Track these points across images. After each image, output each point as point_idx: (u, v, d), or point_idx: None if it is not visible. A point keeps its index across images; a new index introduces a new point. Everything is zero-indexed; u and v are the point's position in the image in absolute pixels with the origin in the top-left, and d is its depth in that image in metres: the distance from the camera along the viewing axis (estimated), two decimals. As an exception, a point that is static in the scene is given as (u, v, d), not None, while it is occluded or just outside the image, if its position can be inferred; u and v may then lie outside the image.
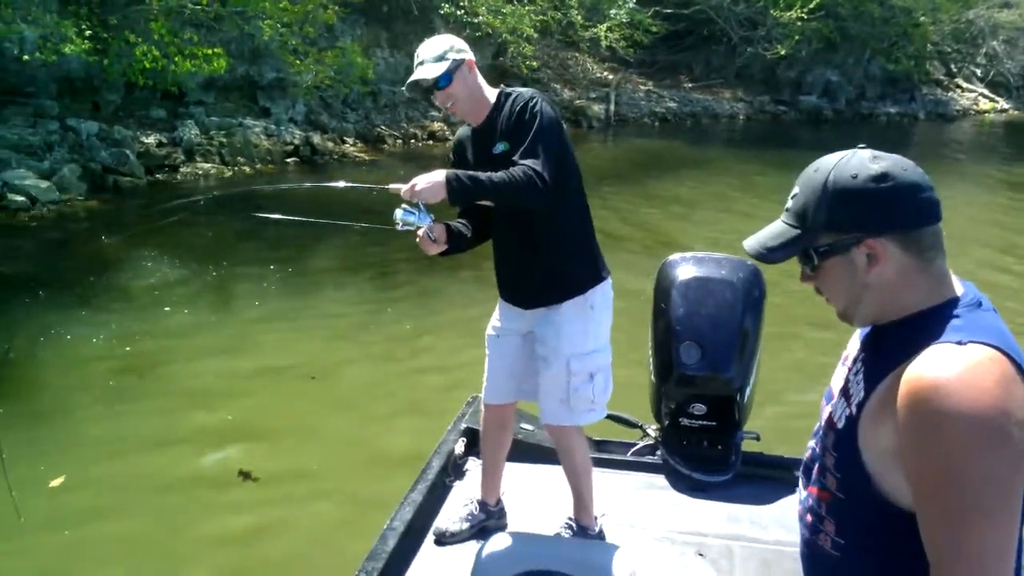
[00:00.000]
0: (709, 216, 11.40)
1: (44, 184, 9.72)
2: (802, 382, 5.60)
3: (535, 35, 18.57)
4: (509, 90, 2.66)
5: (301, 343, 6.31)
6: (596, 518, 2.93)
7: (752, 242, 1.33)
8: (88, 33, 10.69)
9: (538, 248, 2.67)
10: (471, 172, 2.45)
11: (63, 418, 5.06)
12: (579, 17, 19.94)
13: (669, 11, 21.87)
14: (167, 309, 6.91)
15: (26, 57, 10.12)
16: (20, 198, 9.38)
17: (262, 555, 3.87)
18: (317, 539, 3.96)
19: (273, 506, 4.23)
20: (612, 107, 20.83)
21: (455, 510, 2.98)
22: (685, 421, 3.29)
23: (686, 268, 3.32)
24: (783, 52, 22.11)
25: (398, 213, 2.48)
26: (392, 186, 2.50)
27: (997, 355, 1.11)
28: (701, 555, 2.86)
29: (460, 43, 2.62)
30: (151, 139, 12.09)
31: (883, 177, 1.19)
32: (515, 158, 2.47)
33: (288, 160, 13.23)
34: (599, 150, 18.13)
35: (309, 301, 7.22)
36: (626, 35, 20.55)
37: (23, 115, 11.07)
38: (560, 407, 2.72)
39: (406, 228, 2.50)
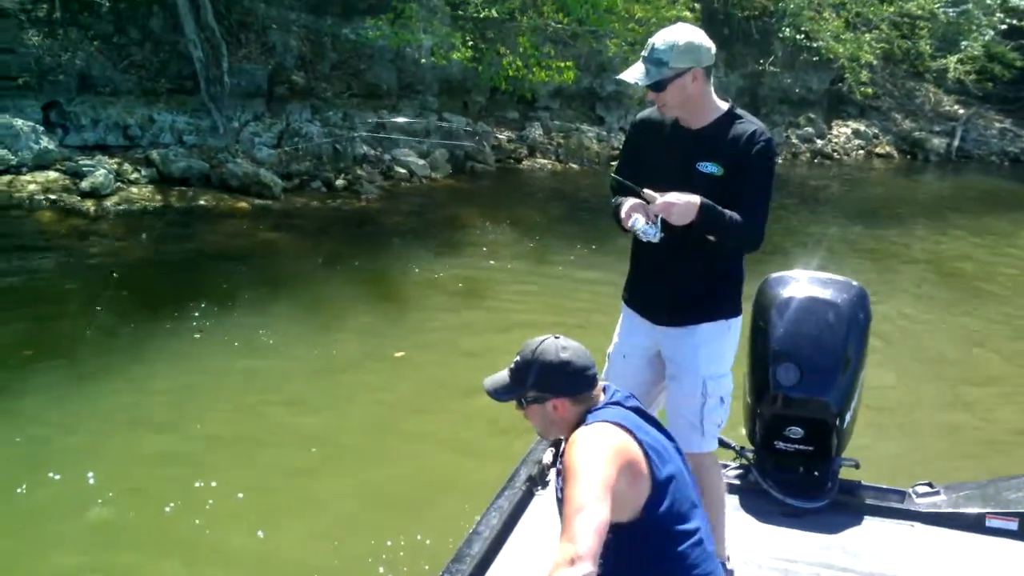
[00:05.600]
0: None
1: (421, 162, 12.27)
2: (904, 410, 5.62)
3: (875, 62, 18.29)
4: (741, 112, 2.54)
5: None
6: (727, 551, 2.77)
7: (488, 383, 2.07)
8: (470, 43, 13.12)
9: (696, 265, 2.57)
10: (719, 208, 2.40)
11: (411, 314, 6.96)
12: (928, 47, 19.16)
13: (1040, 44, 20.06)
14: (492, 262, 8.71)
15: (423, 60, 12.78)
16: (403, 171, 12.00)
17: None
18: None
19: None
20: (956, 142, 19.69)
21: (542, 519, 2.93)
22: (781, 444, 3.19)
23: (789, 287, 3.23)
24: None
25: (639, 224, 2.43)
26: (648, 192, 2.45)
27: (607, 424, 1.90)
28: None
29: (696, 43, 2.45)
30: (503, 135, 14.38)
31: (567, 363, 1.96)
32: (742, 203, 2.42)
33: (612, 163, 14.82)
34: (934, 184, 17.45)
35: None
36: (980, 68, 19.31)
37: (412, 107, 13.87)
38: (692, 432, 2.61)
39: (643, 238, 2.48)
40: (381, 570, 3.71)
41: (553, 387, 1.97)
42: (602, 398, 2.00)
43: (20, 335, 5.88)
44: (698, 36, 2.46)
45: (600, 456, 1.80)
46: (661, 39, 2.44)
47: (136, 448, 4.65)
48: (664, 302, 2.65)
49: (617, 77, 2.65)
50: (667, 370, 2.69)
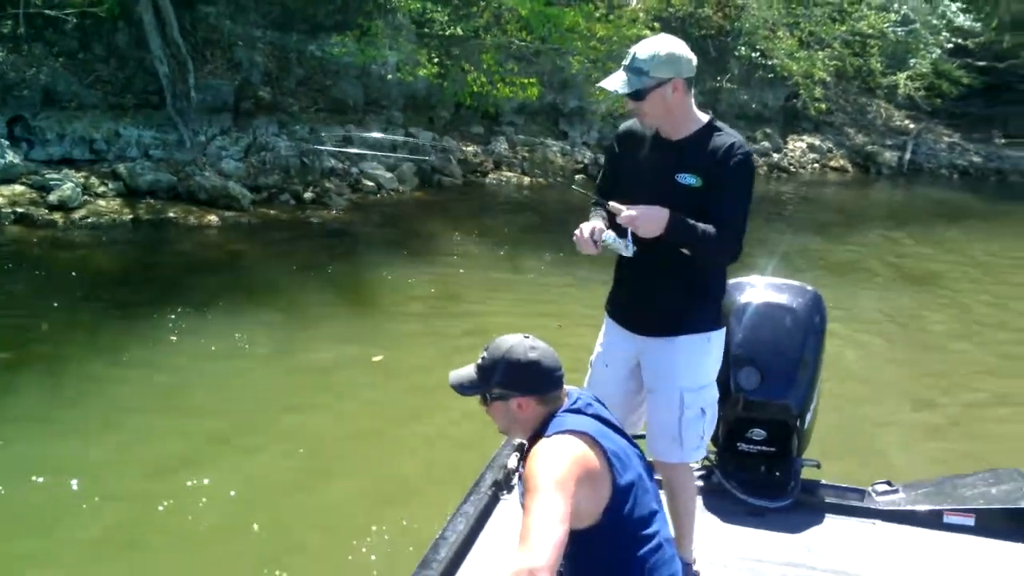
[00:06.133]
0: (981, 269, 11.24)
1: (389, 175, 12.40)
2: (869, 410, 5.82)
3: (828, 79, 18.91)
4: (720, 125, 2.54)
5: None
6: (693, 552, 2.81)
7: (453, 377, 2.09)
8: (436, 60, 13.31)
9: (676, 278, 2.56)
10: (690, 221, 2.40)
11: (386, 320, 7.08)
12: (878, 64, 19.86)
13: (983, 63, 20.91)
14: (462, 270, 8.85)
15: (389, 76, 12.94)
16: (371, 184, 12.12)
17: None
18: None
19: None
20: (908, 155, 20.35)
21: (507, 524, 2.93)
22: (743, 446, 3.24)
23: (746, 292, 3.28)
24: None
25: (609, 238, 2.46)
26: (614, 204, 2.46)
27: (568, 436, 1.90)
28: None
29: (678, 54, 2.44)
30: (469, 149, 14.56)
31: (535, 363, 1.97)
32: (719, 215, 2.43)
33: (577, 176, 15.09)
34: (886, 195, 18.05)
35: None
36: (929, 85, 20.06)
37: (378, 122, 13.99)
38: (671, 444, 2.63)
39: (608, 251, 2.51)
40: (373, 558, 3.82)
41: (519, 385, 1.98)
42: (565, 402, 2.01)
43: (-4, 342, 5.86)
44: (679, 47, 2.45)
45: (560, 469, 1.80)
46: (643, 49, 2.43)
47: (118, 450, 4.68)
48: (643, 314, 2.65)
49: (598, 85, 2.69)
50: (645, 381, 2.69)
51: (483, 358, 2.04)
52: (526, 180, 14.28)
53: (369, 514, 4.16)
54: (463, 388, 2.07)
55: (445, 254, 9.46)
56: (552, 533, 1.70)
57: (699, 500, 3.11)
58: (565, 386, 2.05)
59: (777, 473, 3.26)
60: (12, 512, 4.06)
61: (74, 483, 4.26)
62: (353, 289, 7.98)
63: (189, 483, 4.33)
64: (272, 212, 10.36)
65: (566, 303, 7.81)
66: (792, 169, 18.57)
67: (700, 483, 3.25)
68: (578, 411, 1.98)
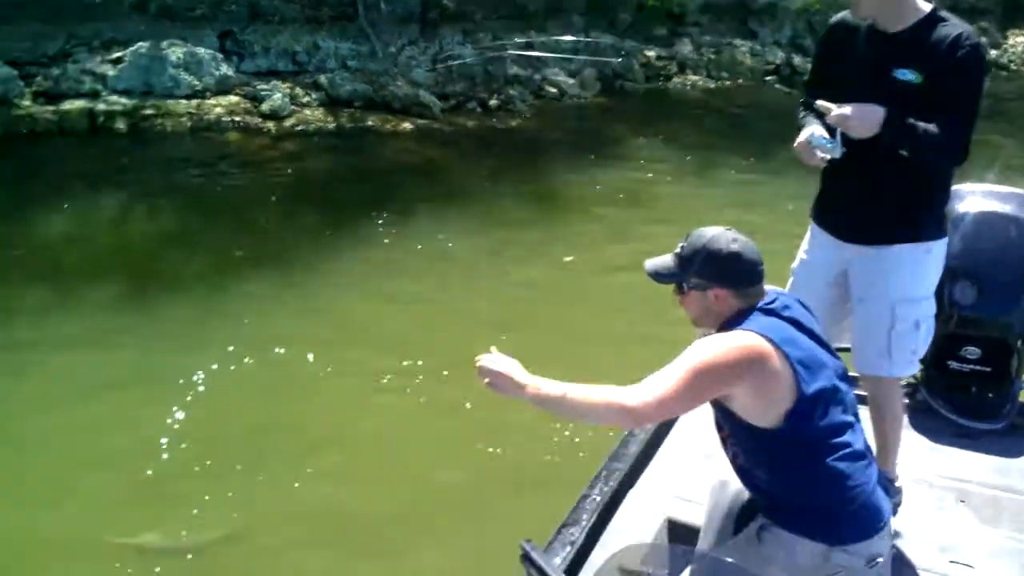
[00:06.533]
0: None
1: (571, 81, 12.31)
2: None
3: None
4: (945, 14, 2.31)
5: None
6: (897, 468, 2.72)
7: (649, 265, 2.06)
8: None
9: (892, 182, 2.38)
10: (909, 120, 2.22)
11: (574, 223, 7.17)
12: None
13: None
14: (650, 175, 8.75)
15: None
16: (553, 90, 12.10)
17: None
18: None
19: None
20: None
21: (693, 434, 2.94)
22: (954, 364, 3.07)
23: (964, 201, 3.06)
24: None
25: (815, 135, 2.32)
26: (822, 103, 2.30)
27: (750, 333, 1.85)
28: (963, 502, 2.73)
29: None
30: (651, 53, 14.12)
31: (736, 255, 1.92)
32: (942, 114, 2.23)
33: (767, 78, 14.32)
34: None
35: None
36: None
37: (559, 26, 13.81)
38: (879, 357, 2.52)
39: (820, 153, 2.34)
40: (576, 440, 4.00)
41: (718, 276, 1.94)
42: (762, 301, 1.95)
43: (231, 240, 6.50)
44: None
45: (717, 357, 1.82)
46: None
47: (344, 328, 5.14)
48: (855, 221, 2.49)
49: None
50: (853, 291, 2.55)
51: (682, 247, 2.00)
52: (712, 84, 13.74)
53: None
54: (659, 276, 2.04)
55: (630, 159, 9.37)
56: (665, 392, 1.76)
57: (904, 418, 2.98)
58: (767, 286, 2.00)
59: (991, 394, 3.09)
60: (265, 379, 4.58)
61: (310, 356, 4.74)
62: (541, 194, 8.12)
63: (405, 362, 4.71)
64: (461, 120, 10.63)
65: (758, 210, 7.58)
66: (1013, 67, 16.70)
67: (905, 400, 3.08)
68: (773, 312, 1.93)
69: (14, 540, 3.32)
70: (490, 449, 3.99)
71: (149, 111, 9.39)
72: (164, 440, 3.97)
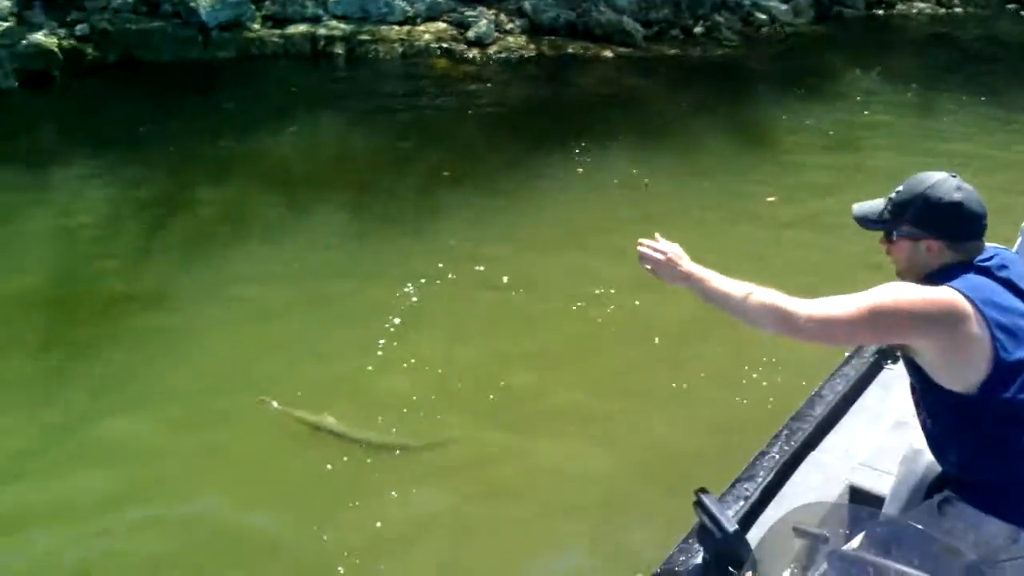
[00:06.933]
0: None
1: (783, 7, 11.69)
2: None
3: None
4: None
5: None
6: None
7: (857, 208, 1.92)
8: None
9: None
10: None
11: (780, 161, 6.92)
12: None
13: None
14: (865, 112, 8.21)
15: None
16: (763, 16, 11.51)
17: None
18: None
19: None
20: None
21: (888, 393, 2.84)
22: None
23: None
24: None
25: None
26: None
27: (951, 289, 1.69)
28: None
29: None
30: (876, -24, 13.03)
31: (957, 205, 1.75)
32: None
33: (1008, 5, 12.84)
34: None
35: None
36: None
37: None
38: None
39: None
40: (764, 384, 4.00)
41: (934, 226, 1.78)
42: (978, 256, 1.77)
43: (439, 161, 6.86)
44: None
45: (903, 305, 1.70)
46: None
47: (539, 258, 5.34)
48: None
49: None
50: None
51: (898, 191, 1.83)
52: (942, 10, 12.52)
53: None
54: (867, 222, 1.90)
55: (843, 93, 8.84)
56: (835, 314, 1.67)
57: None
58: (987, 242, 1.81)
59: None
60: (417, 303, 4.74)
61: (504, 277, 4.97)
62: (746, 129, 7.88)
63: (597, 291, 4.79)
64: (662, 48, 10.42)
65: (988, 161, 6.98)
66: None
67: None
68: (987, 271, 1.74)
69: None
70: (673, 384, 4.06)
71: (365, 36, 9.95)
72: (381, 341, 4.33)
